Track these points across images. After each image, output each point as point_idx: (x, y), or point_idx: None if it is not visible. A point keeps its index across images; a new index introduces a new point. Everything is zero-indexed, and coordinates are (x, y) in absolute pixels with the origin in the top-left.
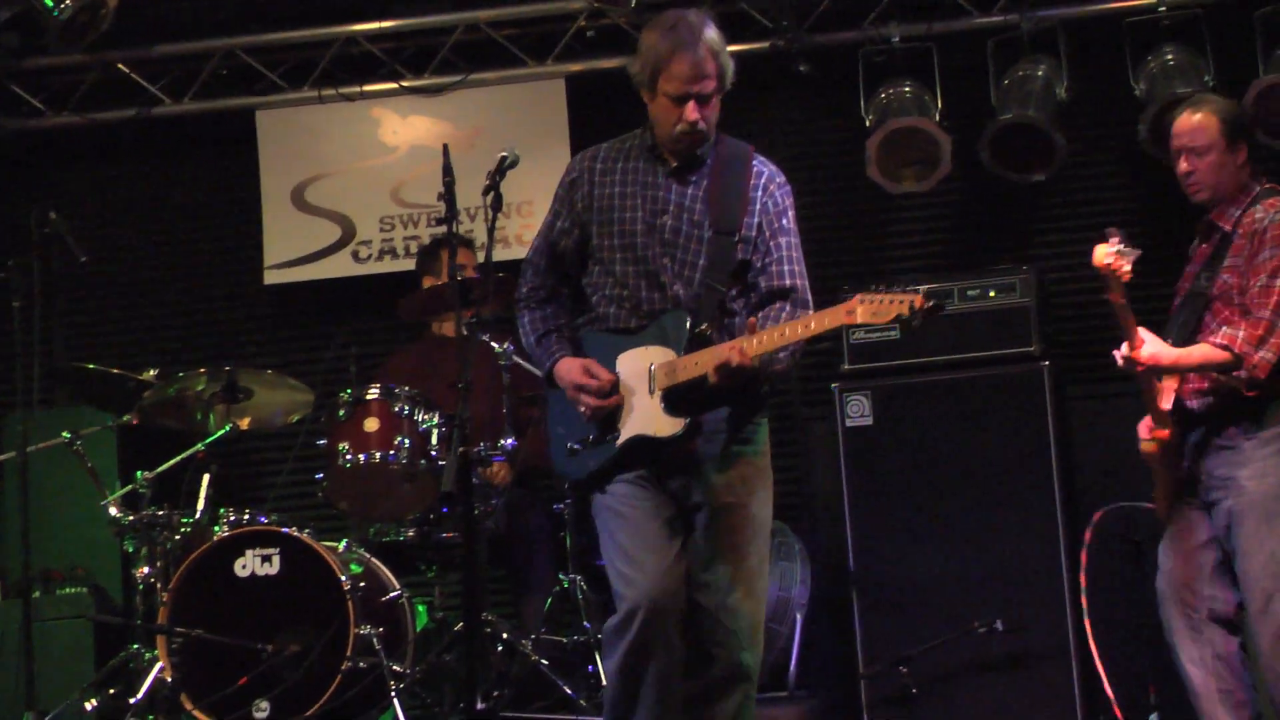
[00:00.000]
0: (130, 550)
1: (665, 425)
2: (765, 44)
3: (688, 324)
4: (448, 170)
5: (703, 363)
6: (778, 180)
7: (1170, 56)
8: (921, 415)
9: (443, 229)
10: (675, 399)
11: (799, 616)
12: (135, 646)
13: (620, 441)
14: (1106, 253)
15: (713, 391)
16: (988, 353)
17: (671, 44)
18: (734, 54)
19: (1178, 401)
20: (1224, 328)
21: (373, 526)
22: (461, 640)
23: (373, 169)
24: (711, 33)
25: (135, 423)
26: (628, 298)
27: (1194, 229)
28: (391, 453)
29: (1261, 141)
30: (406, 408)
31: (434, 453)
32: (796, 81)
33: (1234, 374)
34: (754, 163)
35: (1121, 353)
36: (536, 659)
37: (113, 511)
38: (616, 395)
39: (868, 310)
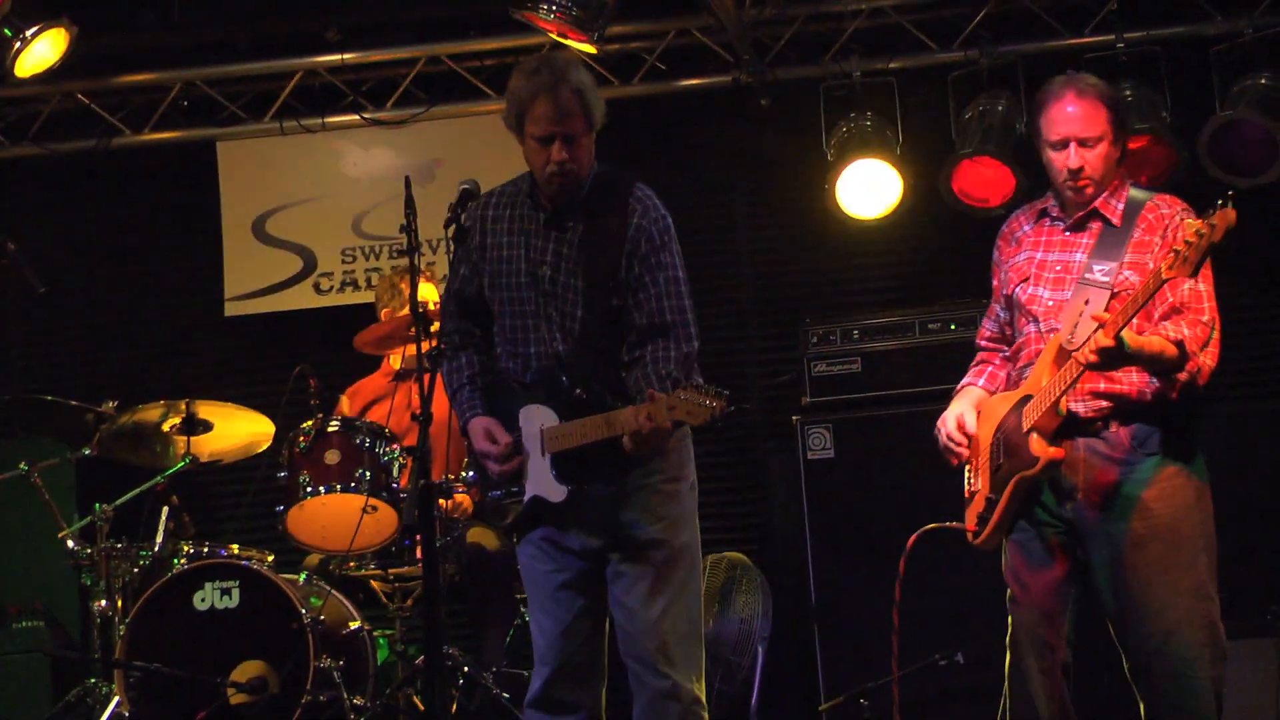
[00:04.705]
0: (88, 583)
1: (554, 490)
2: (728, 78)
3: (564, 386)
4: (409, 202)
5: (574, 434)
6: (653, 215)
7: (1128, 92)
8: (883, 448)
9: (405, 260)
10: (561, 463)
11: (761, 649)
12: (92, 681)
13: (526, 499)
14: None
15: (593, 456)
16: (948, 385)
17: (534, 87)
18: (697, 88)
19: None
20: (1165, 323)
21: (333, 559)
22: (423, 674)
23: (334, 201)
24: (576, 73)
25: (94, 454)
26: (518, 354)
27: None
28: (353, 485)
29: (1215, 178)
30: (367, 440)
31: (395, 485)
32: (758, 115)
33: (1174, 375)
34: (631, 198)
35: (1095, 343)
36: (498, 692)
37: (70, 544)
38: (517, 457)
39: (682, 411)
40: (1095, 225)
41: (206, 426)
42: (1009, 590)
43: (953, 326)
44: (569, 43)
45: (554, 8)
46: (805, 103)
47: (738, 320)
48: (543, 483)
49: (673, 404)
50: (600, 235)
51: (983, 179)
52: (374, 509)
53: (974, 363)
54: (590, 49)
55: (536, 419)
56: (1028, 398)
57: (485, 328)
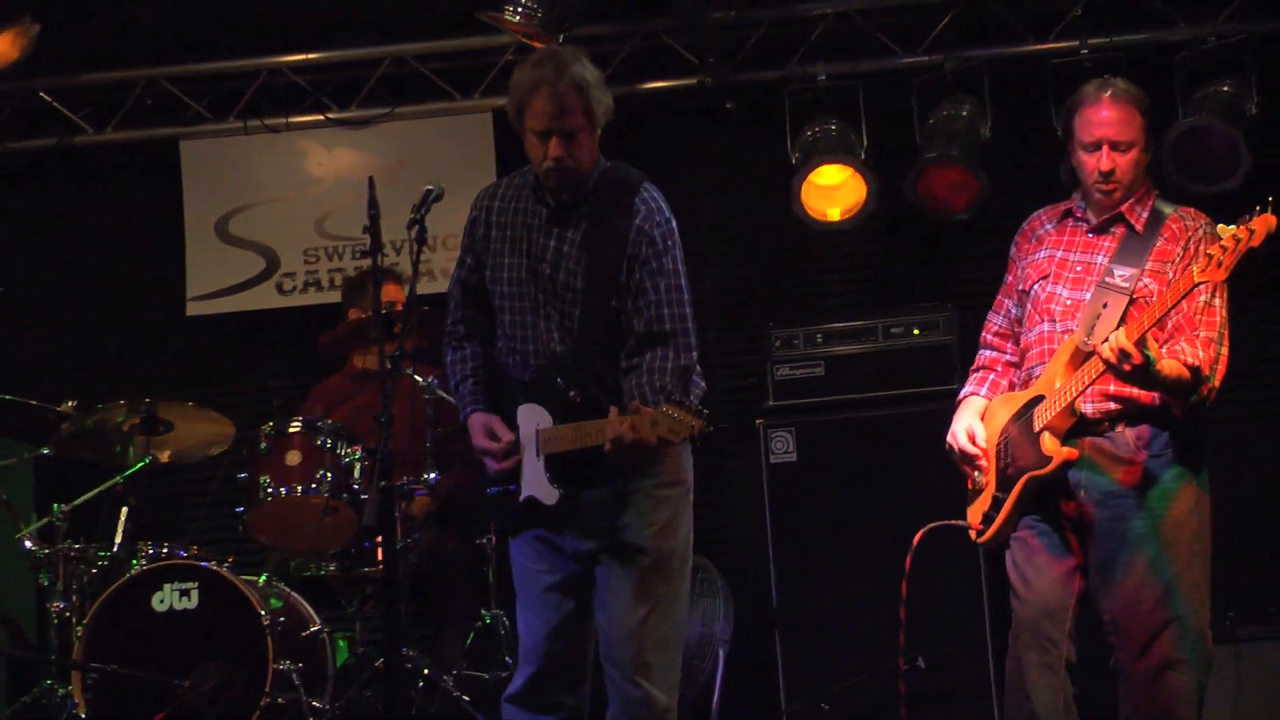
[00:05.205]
0: (45, 584)
1: (548, 493)
2: (692, 80)
3: (559, 388)
4: (373, 203)
5: (566, 437)
6: (657, 218)
7: None
8: (845, 451)
9: (368, 261)
10: (555, 466)
11: (721, 653)
12: (49, 683)
13: (521, 498)
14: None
15: (588, 459)
16: (911, 390)
17: (535, 80)
18: (662, 90)
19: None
20: (1183, 344)
21: (293, 560)
22: (381, 676)
23: (297, 201)
24: (579, 68)
25: (53, 454)
26: (517, 350)
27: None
28: (313, 486)
29: (1178, 184)
30: (329, 441)
31: (356, 486)
32: (723, 118)
33: (1189, 398)
34: (636, 199)
35: (1115, 341)
36: (458, 695)
37: (28, 544)
38: (515, 456)
39: (664, 427)
40: (1119, 230)
41: (167, 426)
42: (1011, 586)
43: (916, 331)
44: (534, 43)
45: (519, 9)
46: (770, 106)
47: (701, 323)
48: (537, 484)
49: (656, 419)
50: (602, 236)
51: (947, 183)
52: (335, 510)
53: (975, 368)
54: None
55: (533, 419)
56: (1039, 398)
57: (490, 318)
